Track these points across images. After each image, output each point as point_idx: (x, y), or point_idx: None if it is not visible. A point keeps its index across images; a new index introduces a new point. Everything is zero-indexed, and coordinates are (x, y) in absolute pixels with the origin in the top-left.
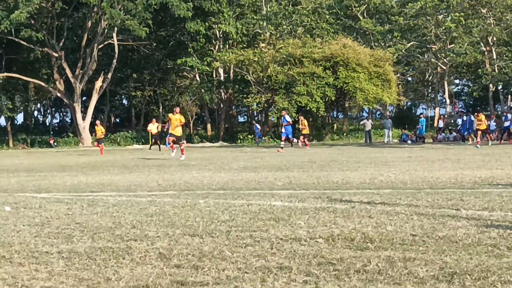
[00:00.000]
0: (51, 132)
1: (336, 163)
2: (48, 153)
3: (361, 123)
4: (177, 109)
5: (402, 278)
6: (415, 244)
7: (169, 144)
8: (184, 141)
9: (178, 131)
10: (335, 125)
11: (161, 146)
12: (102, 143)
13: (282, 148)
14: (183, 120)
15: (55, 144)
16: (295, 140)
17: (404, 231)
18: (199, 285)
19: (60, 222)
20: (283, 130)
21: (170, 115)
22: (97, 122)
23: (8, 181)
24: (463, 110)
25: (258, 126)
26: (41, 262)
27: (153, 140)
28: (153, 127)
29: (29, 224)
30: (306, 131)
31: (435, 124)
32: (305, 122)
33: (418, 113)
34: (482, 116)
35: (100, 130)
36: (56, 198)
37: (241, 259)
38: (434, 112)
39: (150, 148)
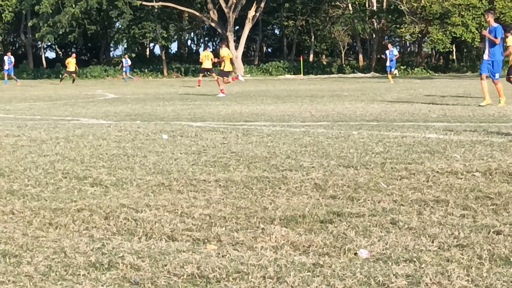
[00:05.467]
0: None
1: (492, 95)
2: (201, 82)
3: None
4: None
5: None
6: None
7: None
8: None
9: None
10: None
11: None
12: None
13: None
14: None
15: (208, 73)
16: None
17: None
18: (355, 216)
19: (216, 151)
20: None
21: None
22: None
23: (164, 109)
24: None
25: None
26: (199, 190)
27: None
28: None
29: (186, 152)
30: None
31: None
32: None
33: None
34: None
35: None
36: (211, 127)
37: (397, 191)
38: None
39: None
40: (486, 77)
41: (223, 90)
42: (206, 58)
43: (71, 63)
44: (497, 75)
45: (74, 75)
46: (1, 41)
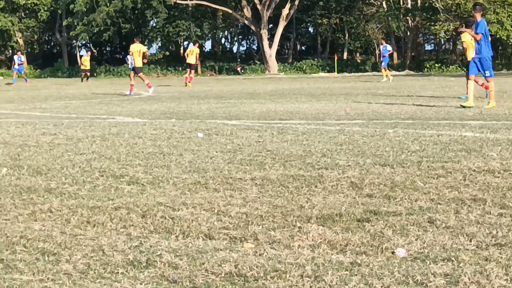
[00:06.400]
0: (238, 60)
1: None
2: (235, 80)
3: None
4: None
5: None
6: None
7: None
8: None
9: None
10: None
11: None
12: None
13: None
14: None
15: (242, 71)
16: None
17: None
18: (392, 215)
19: (251, 149)
20: None
21: None
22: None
23: (199, 107)
24: None
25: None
26: (236, 188)
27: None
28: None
29: (221, 151)
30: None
31: None
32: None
33: None
34: None
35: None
36: (246, 125)
37: (434, 190)
38: None
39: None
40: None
41: (132, 87)
42: (190, 53)
43: (86, 61)
44: (487, 73)
45: (88, 73)
46: (37, 39)
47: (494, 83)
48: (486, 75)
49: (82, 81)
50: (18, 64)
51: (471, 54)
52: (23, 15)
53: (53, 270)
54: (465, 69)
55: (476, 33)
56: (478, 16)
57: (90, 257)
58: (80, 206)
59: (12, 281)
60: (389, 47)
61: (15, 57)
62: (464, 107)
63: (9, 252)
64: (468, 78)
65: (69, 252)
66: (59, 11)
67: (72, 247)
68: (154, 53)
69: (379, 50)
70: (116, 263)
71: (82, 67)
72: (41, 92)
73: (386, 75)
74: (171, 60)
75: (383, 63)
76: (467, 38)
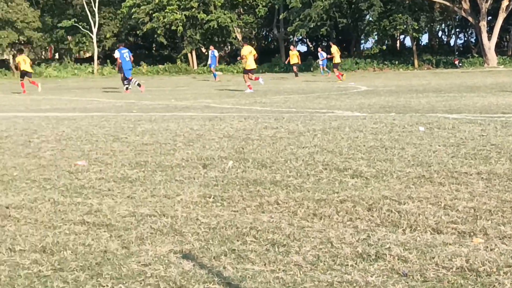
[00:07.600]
0: (456, 53)
1: None
2: (453, 74)
3: None
4: None
5: None
6: None
7: None
8: None
9: None
10: None
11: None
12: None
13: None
14: None
15: (460, 64)
16: None
17: None
18: None
19: (475, 143)
20: None
21: None
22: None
23: (418, 101)
24: None
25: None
26: (461, 183)
27: None
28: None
29: (444, 145)
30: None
31: None
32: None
33: None
34: None
35: None
36: (468, 119)
37: None
38: None
39: None
40: None
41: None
42: (295, 56)
43: (293, 56)
44: None
45: (294, 68)
46: (255, 35)
47: None
48: None
49: (296, 75)
50: (211, 59)
51: None
52: (241, 11)
53: (283, 261)
54: None
55: None
56: None
57: (319, 249)
58: (306, 198)
59: (244, 271)
60: None
61: (210, 52)
62: None
63: (240, 242)
64: None
65: (298, 244)
66: (276, 7)
67: (301, 239)
68: (370, 47)
69: None
70: (345, 255)
71: (291, 62)
72: (260, 87)
73: None
74: (387, 54)
75: None
76: None
